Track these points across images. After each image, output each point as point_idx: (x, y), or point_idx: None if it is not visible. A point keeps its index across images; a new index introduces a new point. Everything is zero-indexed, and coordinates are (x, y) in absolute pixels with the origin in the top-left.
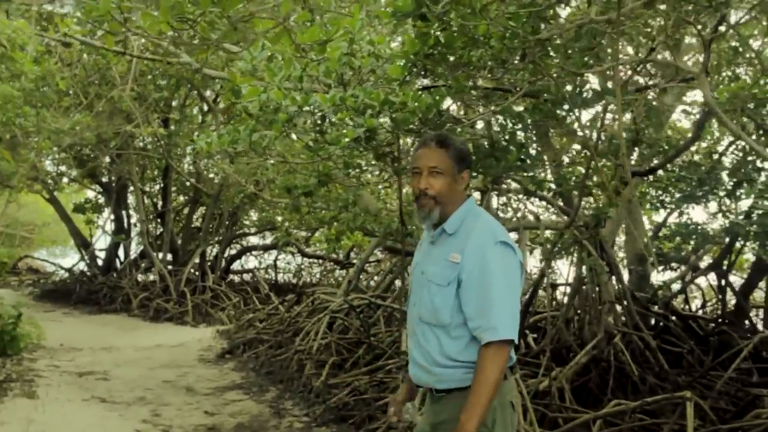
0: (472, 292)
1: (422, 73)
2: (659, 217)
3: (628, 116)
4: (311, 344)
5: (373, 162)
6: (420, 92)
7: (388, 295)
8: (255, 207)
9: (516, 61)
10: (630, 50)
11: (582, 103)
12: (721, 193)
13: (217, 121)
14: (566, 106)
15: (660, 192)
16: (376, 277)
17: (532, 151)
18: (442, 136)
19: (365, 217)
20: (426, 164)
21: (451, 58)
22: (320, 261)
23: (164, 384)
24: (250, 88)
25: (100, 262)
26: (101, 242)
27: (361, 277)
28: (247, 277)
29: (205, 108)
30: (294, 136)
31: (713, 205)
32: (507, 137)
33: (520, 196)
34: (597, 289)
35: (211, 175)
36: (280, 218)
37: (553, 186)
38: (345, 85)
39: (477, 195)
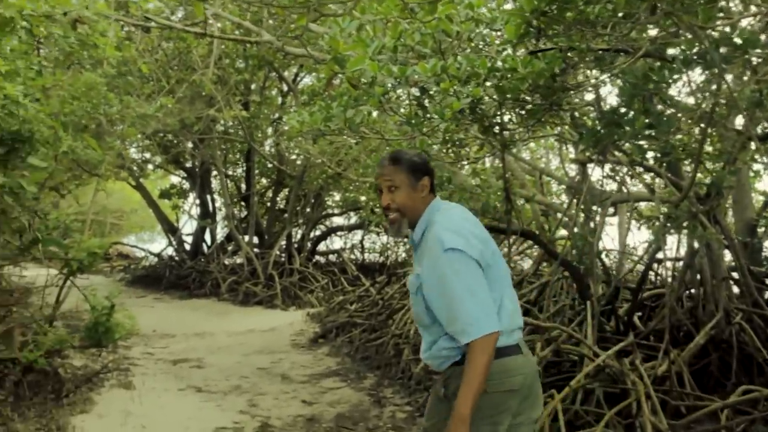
0: (438, 301)
1: (537, 33)
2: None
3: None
4: (407, 327)
5: (475, 135)
6: (531, 56)
7: None
8: (339, 187)
9: (641, 17)
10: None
11: (721, 60)
12: None
13: (298, 102)
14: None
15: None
16: None
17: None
18: (394, 153)
19: (461, 195)
20: (384, 182)
21: (569, 15)
22: (406, 240)
23: (259, 371)
24: (355, 57)
25: (187, 247)
26: (188, 227)
27: None
28: (333, 258)
29: (285, 89)
30: (390, 111)
31: None
32: (624, 102)
33: (624, 168)
34: (709, 264)
35: (293, 157)
36: (364, 198)
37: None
38: (443, 53)
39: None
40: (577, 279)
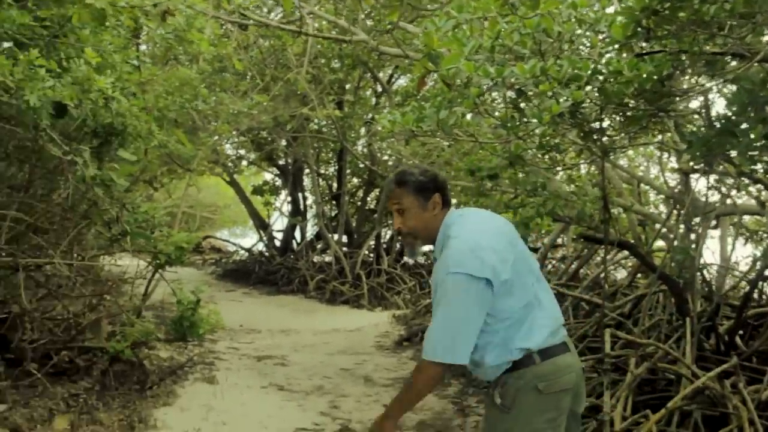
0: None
1: (646, 34)
2: None
3: None
4: None
5: (572, 140)
6: (637, 59)
7: (575, 284)
8: None
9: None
10: None
11: None
12: None
13: (392, 102)
14: None
15: None
16: (555, 263)
17: None
18: (399, 174)
19: (555, 202)
20: (392, 206)
21: (682, 15)
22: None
23: (342, 372)
24: (450, 54)
25: (277, 243)
26: (279, 223)
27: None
28: (420, 260)
29: (379, 89)
30: (485, 113)
31: None
32: (737, 109)
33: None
34: None
35: (385, 157)
36: (455, 201)
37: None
38: (542, 54)
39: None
40: (675, 293)
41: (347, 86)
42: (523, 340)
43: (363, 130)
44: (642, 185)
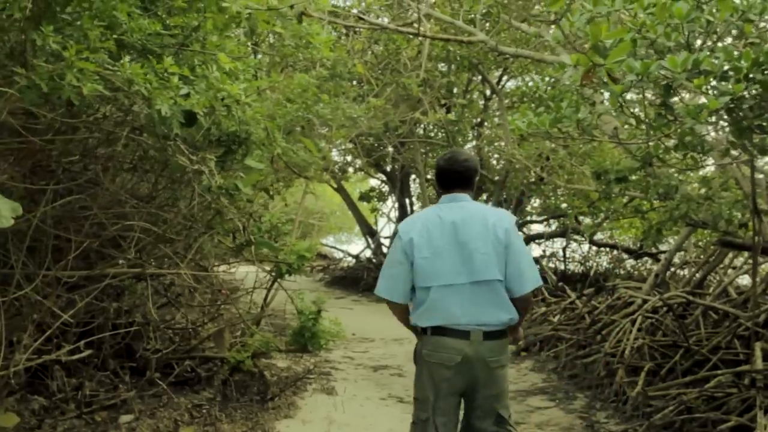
0: None
1: None
2: None
3: None
4: (623, 346)
5: (717, 140)
6: None
7: (704, 292)
8: (540, 193)
9: None
10: None
11: None
12: None
13: (502, 105)
14: None
15: None
16: (680, 271)
17: None
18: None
19: (689, 205)
20: None
21: None
22: (609, 249)
23: None
24: (622, 43)
25: (384, 250)
26: (386, 230)
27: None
28: None
29: (488, 92)
30: (629, 113)
31: None
32: None
33: None
34: None
35: (494, 161)
36: (565, 205)
37: None
38: (689, 47)
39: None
40: None
41: (455, 89)
42: (419, 317)
43: (471, 134)
44: None
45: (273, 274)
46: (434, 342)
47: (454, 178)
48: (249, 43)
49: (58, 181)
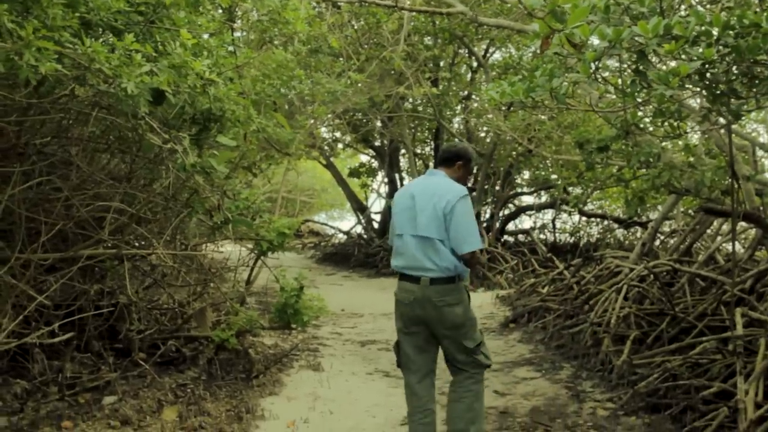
0: None
1: None
2: None
3: None
4: (609, 316)
5: (690, 106)
6: None
7: (691, 260)
8: (529, 165)
9: None
10: None
11: None
12: None
13: (488, 77)
14: None
15: None
16: (669, 239)
17: None
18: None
19: (671, 173)
20: None
21: None
22: (599, 220)
23: None
24: (579, 8)
25: (375, 225)
26: (376, 205)
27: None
28: (522, 238)
29: (474, 65)
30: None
31: None
32: None
33: None
34: None
35: (482, 134)
36: (555, 176)
37: None
38: (662, 12)
39: None
40: None
41: (441, 63)
42: (391, 259)
43: (459, 107)
44: (759, 152)
45: (255, 251)
46: (399, 284)
47: (440, 157)
48: (224, 20)
49: (33, 162)
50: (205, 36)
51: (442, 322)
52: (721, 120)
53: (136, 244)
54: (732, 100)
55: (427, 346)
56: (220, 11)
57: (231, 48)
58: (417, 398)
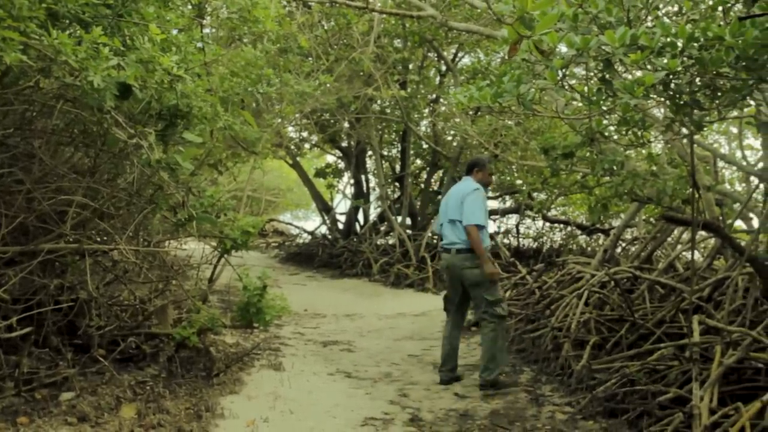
0: None
1: None
2: None
3: None
4: (569, 321)
5: (654, 117)
6: (740, 23)
7: (651, 267)
8: (494, 170)
9: None
10: None
11: None
12: None
13: (457, 81)
14: None
15: None
16: (631, 246)
17: None
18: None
19: (634, 181)
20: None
21: None
22: (562, 226)
23: (410, 359)
24: (547, 15)
25: (340, 226)
26: (342, 206)
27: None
28: (487, 242)
29: (443, 68)
30: (568, 87)
31: None
32: None
33: None
34: None
35: (449, 138)
36: (520, 182)
37: None
38: (630, 22)
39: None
40: (764, 277)
41: (410, 66)
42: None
43: (427, 111)
44: (719, 163)
45: (219, 250)
46: (441, 255)
47: (465, 168)
48: (193, 16)
49: None
50: (174, 32)
51: (465, 279)
52: (684, 130)
53: (98, 239)
54: (695, 111)
55: (457, 299)
56: (190, 7)
57: (200, 44)
58: (450, 324)
